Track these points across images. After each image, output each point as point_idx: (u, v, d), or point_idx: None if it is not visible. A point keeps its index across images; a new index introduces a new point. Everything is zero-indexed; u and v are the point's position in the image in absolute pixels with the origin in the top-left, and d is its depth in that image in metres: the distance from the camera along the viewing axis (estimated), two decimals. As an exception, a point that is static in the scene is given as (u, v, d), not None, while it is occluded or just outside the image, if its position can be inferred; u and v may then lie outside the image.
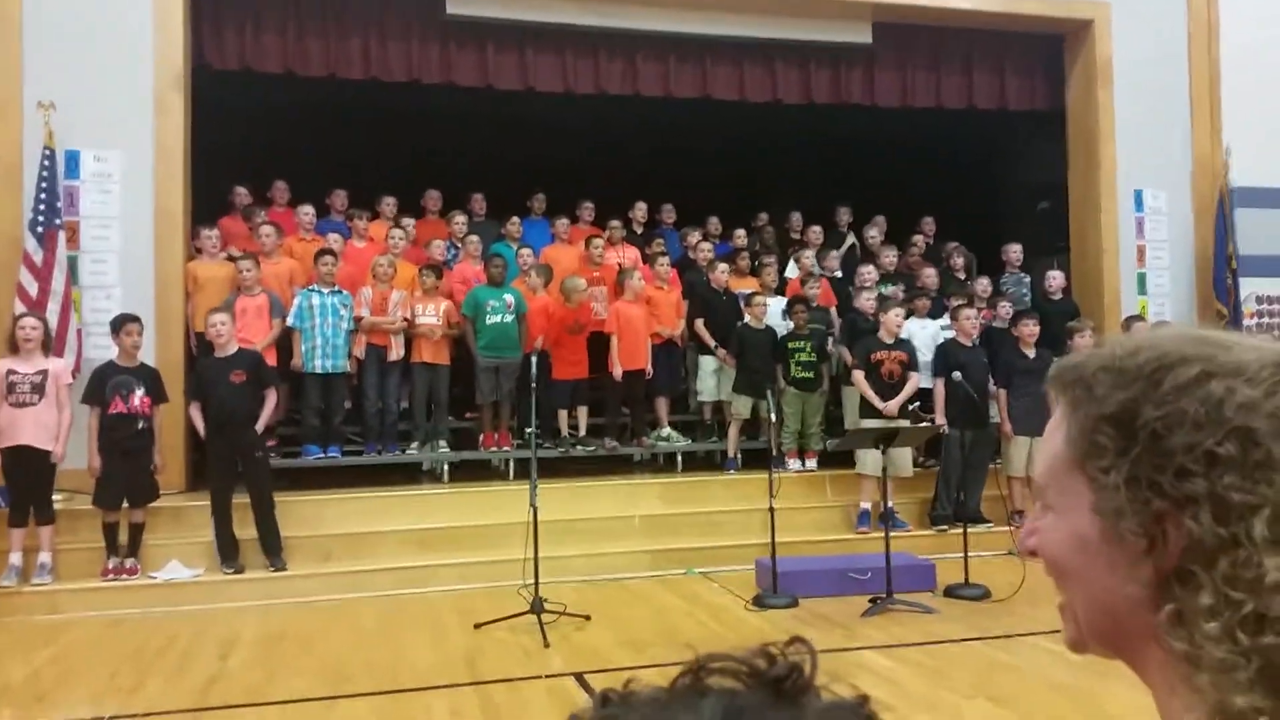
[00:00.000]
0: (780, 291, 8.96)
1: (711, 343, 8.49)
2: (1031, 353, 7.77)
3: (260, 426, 6.70)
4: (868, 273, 8.77)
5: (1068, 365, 0.78)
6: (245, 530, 6.64)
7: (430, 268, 8.13)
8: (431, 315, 7.94)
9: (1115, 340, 0.76)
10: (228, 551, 6.56)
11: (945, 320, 8.34)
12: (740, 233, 9.88)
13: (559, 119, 9.86)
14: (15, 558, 6.23)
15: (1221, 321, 9.07)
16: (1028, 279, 9.40)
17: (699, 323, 8.58)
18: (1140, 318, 8.71)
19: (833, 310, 8.96)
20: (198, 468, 7.45)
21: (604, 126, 10.18)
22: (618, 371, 8.20)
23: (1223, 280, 9.31)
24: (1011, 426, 7.67)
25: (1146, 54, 9.39)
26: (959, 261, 9.57)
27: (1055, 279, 9.00)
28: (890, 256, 9.32)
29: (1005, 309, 8.56)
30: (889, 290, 8.78)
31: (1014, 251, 9.50)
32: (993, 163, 11.46)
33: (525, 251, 8.75)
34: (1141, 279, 9.45)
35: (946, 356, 7.58)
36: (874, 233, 9.91)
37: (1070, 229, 9.75)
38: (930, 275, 9.06)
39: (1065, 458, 0.75)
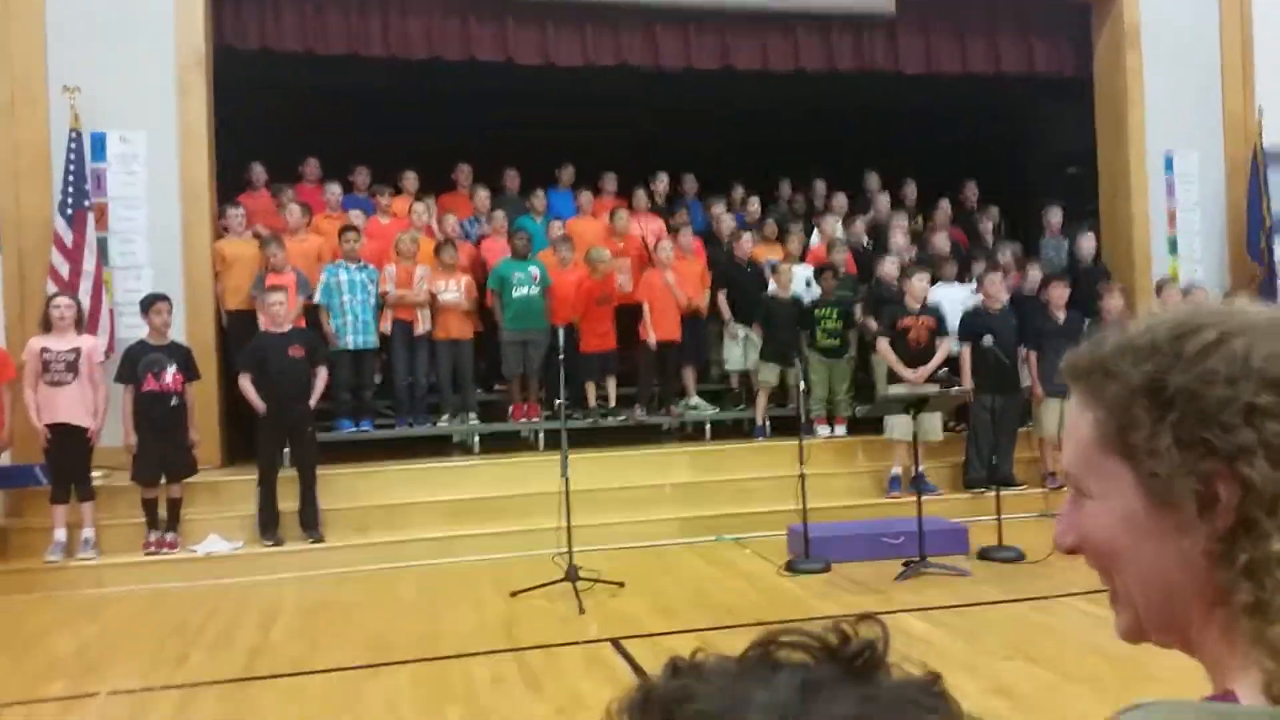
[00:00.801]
0: (802, 259, 8.93)
1: (728, 316, 8.51)
2: (1062, 316, 7.73)
3: (313, 402, 6.80)
4: (895, 242, 8.71)
5: (1078, 356, 0.78)
6: (283, 502, 6.71)
7: (448, 243, 8.16)
8: (453, 290, 7.96)
9: (1116, 329, 0.77)
10: (269, 524, 6.66)
11: (974, 285, 8.29)
12: (754, 200, 9.81)
13: (580, 92, 9.81)
14: (60, 533, 6.35)
15: (1254, 283, 8.98)
16: (1066, 243, 9.31)
17: (720, 295, 8.59)
18: (1172, 280, 8.62)
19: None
20: (232, 443, 7.55)
21: (625, 99, 10.12)
22: (652, 339, 8.22)
23: (1256, 242, 9.19)
24: (1042, 390, 7.64)
25: (1175, 15, 9.23)
26: (987, 225, 9.50)
27: (1086, 243, 8.93)
28: (901, 222, 9.22)
29: (1034, 273, 8.51)
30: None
31: (1054, 216, 9.41)
32: (1020, 128, 11.33)
33: (556, 224, 8.75)
34: (1173, 242, 9.35)
35: (973, 322, 7.55)
36: (884, 199, 9.84)
37: (1100, 193, 9.64)
38: (942, 240, 9.00)
39: (1097, 440, 0.75)
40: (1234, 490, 0.68)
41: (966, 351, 7.55)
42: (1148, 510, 0.72)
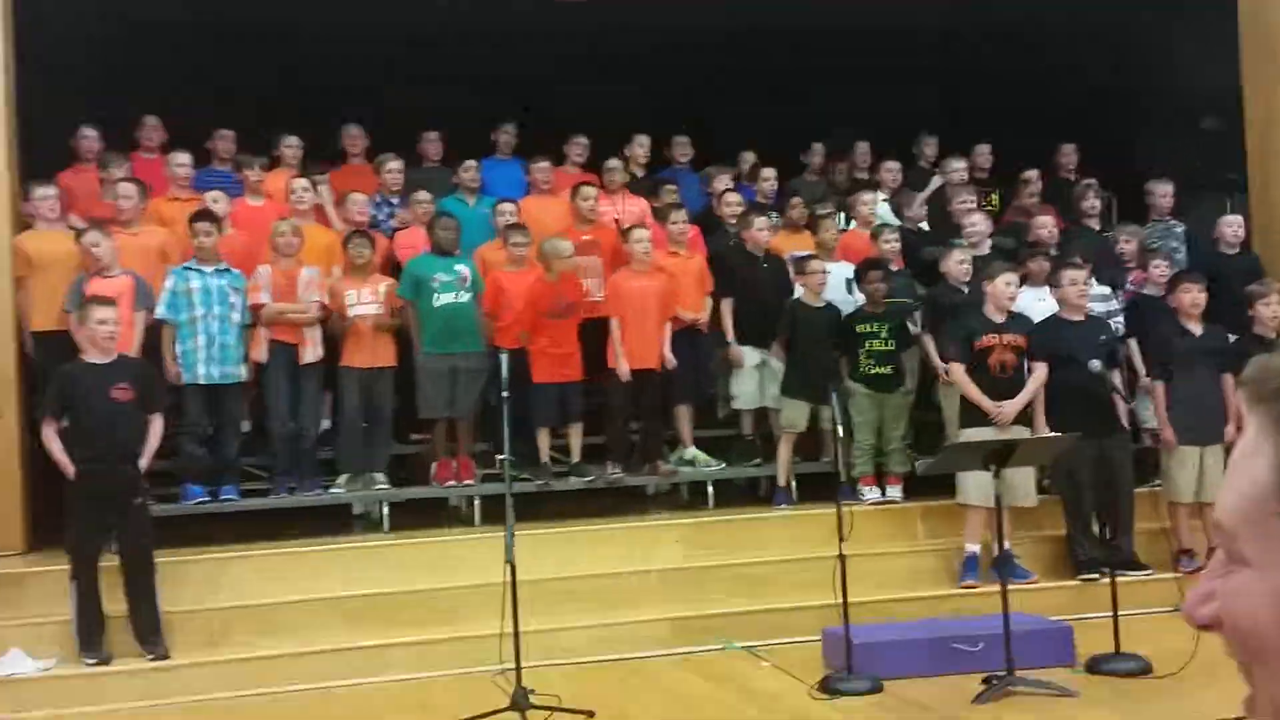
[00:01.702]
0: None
1: (731, 336, 8.53)
2: (1198, 329, 7.76)
3: (144, 463, 6.75)
4: (972, 224, 8.74)
5: (1271, 368, 0.77)
6: (111, 604, 6.63)
7: (360, 234, 8.12)
8: (369, 301, 7.91)
9: None
10: (91, 635, 6.55)
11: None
12: (769, 173, 9.82)
13: (533, 25, 9.86)
14: None
15: None
16: (1181, 229, 9.44)
17: (725, 305, 8.60)
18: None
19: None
20: (42, 519, 7.47)
21: (597, 32, 10.16)
22: (623, 369, 8.19)
23: None
24: (1174, 433, 7.65)
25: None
26: (1092, 205, 9.55)
27: (1230, 226, 9.01)
28: (967, 199, 9.21)
29: (1160, 269, 8.55)
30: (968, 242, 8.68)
31: (1161, 193, 9.51)
32: (1134, 69, 11.45)
33: (506, 207, 8.73)
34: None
35: (1047, 336, 7.56)
36: (960, 165, 9.88)
37: (1246, 156, 9.72)
38: (1045, 225, 9.04)
39: (1270, 492, 0.74)
40: None
41: (1043, 375, 7.51)
42: None
